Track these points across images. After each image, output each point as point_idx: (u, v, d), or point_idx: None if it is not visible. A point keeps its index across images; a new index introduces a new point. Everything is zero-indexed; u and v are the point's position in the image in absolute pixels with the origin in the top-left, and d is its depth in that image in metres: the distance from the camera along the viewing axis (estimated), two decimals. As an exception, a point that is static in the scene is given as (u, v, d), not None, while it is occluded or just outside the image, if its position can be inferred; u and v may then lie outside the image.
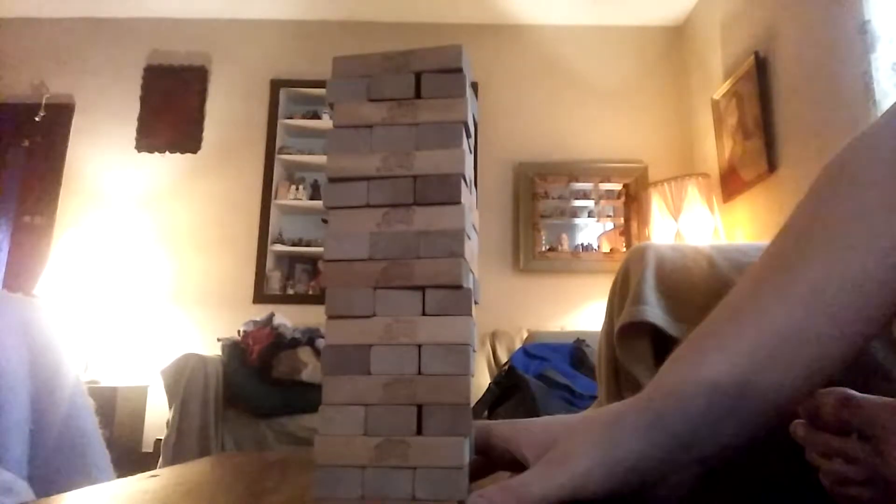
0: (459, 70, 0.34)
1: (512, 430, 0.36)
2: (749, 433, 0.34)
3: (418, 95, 0.35)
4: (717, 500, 0.49)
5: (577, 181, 3.12)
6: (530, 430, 0.35)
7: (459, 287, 0.32)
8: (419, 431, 0.31)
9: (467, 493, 0.32)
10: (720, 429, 0.33)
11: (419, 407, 0.31)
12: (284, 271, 3.08)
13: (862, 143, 0.40)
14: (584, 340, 2.21)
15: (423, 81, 0.35)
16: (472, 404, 0.35)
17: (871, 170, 0.37)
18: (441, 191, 0.33)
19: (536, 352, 2.12)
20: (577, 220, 3.12)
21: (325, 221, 0.36)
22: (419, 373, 0.32)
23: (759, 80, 2.41)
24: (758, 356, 0.34)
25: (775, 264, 0.38)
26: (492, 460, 0.37)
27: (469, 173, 0.37)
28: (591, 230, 3.13)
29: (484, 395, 1.83)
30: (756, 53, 2.44)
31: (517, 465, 0.35)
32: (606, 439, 0.33)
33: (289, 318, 2.48)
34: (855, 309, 0.35)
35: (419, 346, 0.32)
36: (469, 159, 0.37)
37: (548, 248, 3.06)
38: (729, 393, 0.33)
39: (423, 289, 0.33)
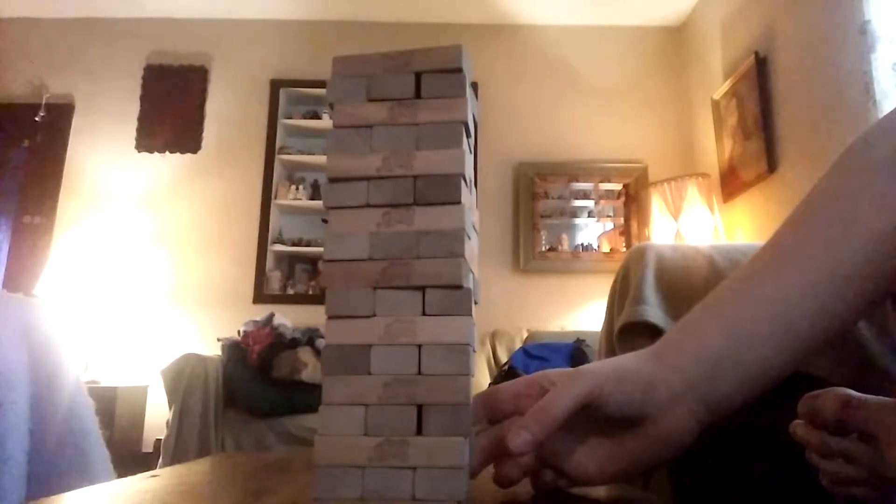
0: (459, 70, 0.34)
1: (541, 372, 0.40)
2: (744, 383, 0.38)
3: (418, 95, 0.35)
4: (718, 501, 0.49)
5: (577, 181, 3.12)
6: (558, 369, 0.40)
7: (459, 287, 0.32)
8: (419, 431, 0.31)
9: (467, 494, 0.32)
10: (718, 377, 0.37)
11: (419, 407, 0.31)
12: (284, 271, 3.08)
13: (872, 131, 0.41)
14: (584, 340, 2.21)
15: (423, 81, 0.35)
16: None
17: (876, 156, 0.39)
18: (441, 191, 0.33)
19: (536, 352, 2.12)
20: (577, 220, 3.12)
21: (325, 221, 0.35)
22: (419, 373, 0.32)
23: (758, 80, 2.41)
24: (746, 326, 0.38)
25: (781, 241, 0.41)
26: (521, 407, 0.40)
27: (469, 173, 0.37)
28: (591, 230, 3.12)
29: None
30: (756, 53, 2.44)
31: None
32: (616, 362, 0.38)
33: (289, 318, 2.48)
34: (841, 296, 0.38)
35: (419, 346, 0.32)
36: (469, 159, 0.37)
37: (548, 248, 3.06)
38: (720, 351, 0.38)
39: (423, 289, 0.33)
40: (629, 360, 0.38)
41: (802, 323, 0.38)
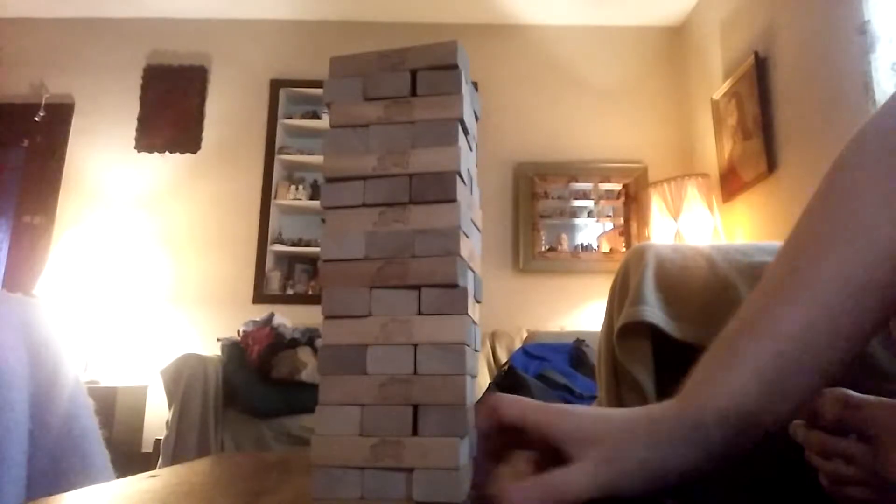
0: (455, 67, 0.34)
1: (550, 415, 0.35)
2: (754, 445, 0.36)
3: (414, 93, 0.35)
4: (717, 501, 0.49)
5: (577, 181, 3.12)
6: (577, 420, 0.35)
7: (455, 286, 0.32)
8: (415, 432, 0.31)
9: (465, 495, 0.32)
10: (733, 445, 0.35)
11: (415, 407, 0.31)
12: (284, 271, 3.08)
13: (857, 141, 0.40)
14: (583, 340, 2.21)
15: (419, 79, 0.35)
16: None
17: (865, 168, 0.38)
18: (437, 189, 0.33)
19: (536, 352, 2.12)
20: (576, 221, 3.12)
21: (325, 222, 0.35)
22: (415, 373, 0.32)
23: (758, 80, 2.41)
24: (764, 383, 0.35)
25: (784, 273, 0.38)
26: (517, 439, 0.36)
27: (471, 170, 0.37)
28: (591, 230, 3.12)
29: (484, 395, 1.82)
30: (756, 53, 2.44)
31: (541, 446, 0.35)
32: (648, 446, 0.34)
33: (288, 318, 2.48)
34: (858, 313, 0.36)
35: (415, 346, 0.32)
36: (468, 156, 0.37)
37: (547, 248, 3.06)
38: (737, 424, 0.35)
39: (418, 288, 0.32)
40: (662, 443, 0.34)
41: (826, 357, 0.36)
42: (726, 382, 0.36)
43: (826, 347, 0.35)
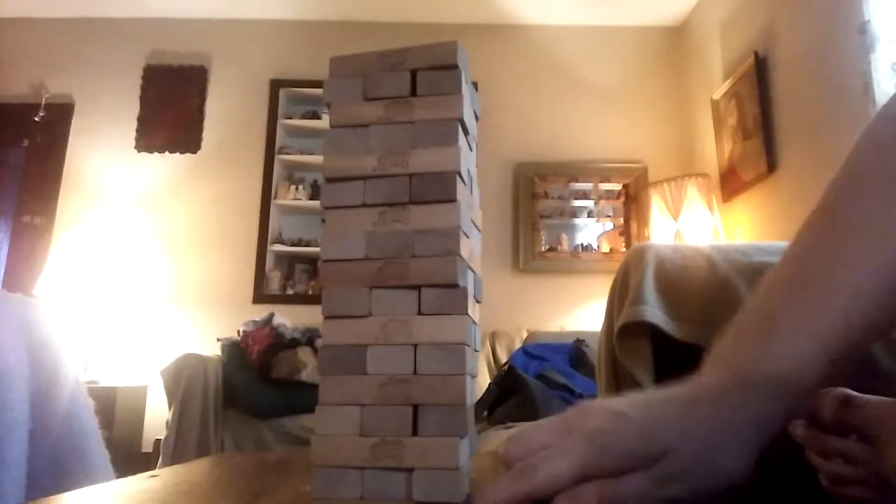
0: (455, 67, 0.34)
1: (611, 465, 0.30)
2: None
3: (414, 93, 0.34)
4: (715, 501, 0.49)
5: (577, 181, 3.12)
6: (628, 441, 0.31)
7: (455, 286, 0.32)
8: (415, 432, 0.31)
9: (465, 496, 0.32)
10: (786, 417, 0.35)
11: (415, 407, 0.31)
12: (284, 271, 3.08)
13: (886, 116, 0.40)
14: (583, 340, 2.21)
15: (419, 79, 0.34)
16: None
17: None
18: (437, 189, 0.33)
19: (536, 352, 2.12)
20: (576, 221, 3.12)
21: (325, 222, 0.35)
22: (415, 373, 0.32)
23: (758, 80, 2.41)
24: (834, 362, 0.36)
25: (814, 258, 0.38)
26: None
27: (471, 170, 0.37)
28: (591, 230, 3.12)
29: (484, 395, 1.83)
30: (756, 53, 2.44)
31: None
32: (717, 456, 0.32)
33: (288, 318, 2.48)
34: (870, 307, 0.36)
35: (415, 346, 0.32)
36: (468, 156, 0.37)
37: (547, 248, 3.06)
38: (792, 398, 0.35)
39: (418, 288, 0.32)
40: (728, 452, 0.32)
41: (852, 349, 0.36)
42: (796, 363, 0.35)
43: (887, 322, 0.36)
